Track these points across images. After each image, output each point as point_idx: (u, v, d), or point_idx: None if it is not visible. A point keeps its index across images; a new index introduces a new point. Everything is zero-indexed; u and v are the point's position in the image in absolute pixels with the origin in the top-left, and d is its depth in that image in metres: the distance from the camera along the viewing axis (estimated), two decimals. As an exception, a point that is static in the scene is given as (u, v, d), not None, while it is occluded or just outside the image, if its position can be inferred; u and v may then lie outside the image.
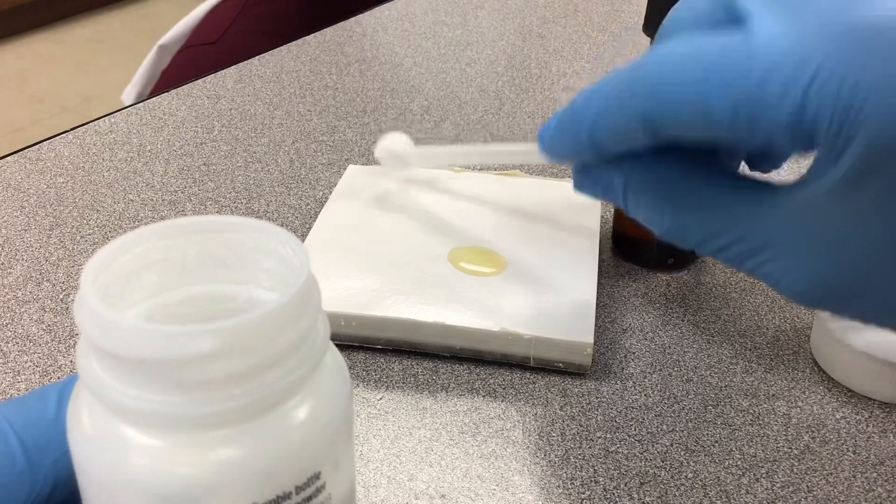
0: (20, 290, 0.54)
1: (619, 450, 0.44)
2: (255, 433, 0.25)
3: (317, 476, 0.26)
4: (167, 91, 0.78)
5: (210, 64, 0.86)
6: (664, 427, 0.45)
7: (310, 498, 0.26)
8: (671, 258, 0.56)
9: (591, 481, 0.42)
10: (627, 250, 0.57)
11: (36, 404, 0.29)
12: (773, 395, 0.47)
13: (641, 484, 0.42)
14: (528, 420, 0.45)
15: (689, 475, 0.42)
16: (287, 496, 0.25)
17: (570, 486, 0.42)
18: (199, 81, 0.79)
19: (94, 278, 0.25)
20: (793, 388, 0.47)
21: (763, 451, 0.44)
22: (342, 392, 0.28)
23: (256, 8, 1.07)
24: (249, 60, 0.83)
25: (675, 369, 0.48)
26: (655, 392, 0.47)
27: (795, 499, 0.41)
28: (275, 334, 0.24)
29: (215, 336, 0.23)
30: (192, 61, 1.05)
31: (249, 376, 0.24)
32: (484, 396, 0.47)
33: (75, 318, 0.24)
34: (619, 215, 0.57)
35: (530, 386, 0.47)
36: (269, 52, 0.85)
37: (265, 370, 0.24)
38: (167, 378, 0.23)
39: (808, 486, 0.42)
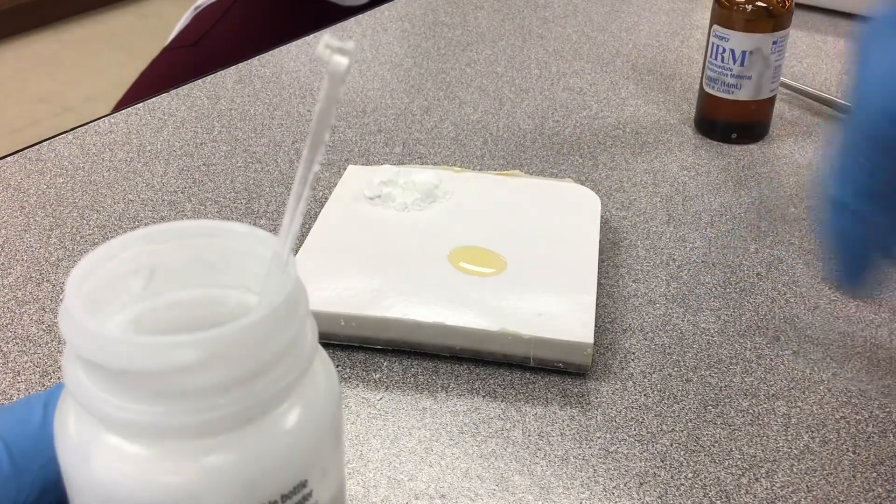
0: (20, 290, 0.54)
1: (619, 450, 0.44)
2: (240, 442, 0.24)
3: (303, 484, 0.26)
4: (165, 92, 0.78)
5: (185, 67, 0.85)
6: (664, 427, 0.45)
7: None
8: (734, 133, 0.69)
9: (591, 481, 0.42)
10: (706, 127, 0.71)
11: (22, 411, 0.30)
12: (773, 395, 0.47)
13: (641, 484, 0.42)
14: (528, 420, 0.45)
15: (689, 475, 0.42)
16: None
17: (570, 486, 0.42)
18: (199, 81, 0.79)
19: (79, 286, 0.25)
20: (793, 388, 0.47)
21: (763, 451, 0.44)
22: (331, 399, 0.27)
23: (240, 12, 1.07)
24: (249, 61, 0.83)
25: (675, 369, 0.48)
26: (655, 392, 0.47)
27: (795, 499, 0.41)
28: (260, 344, 0.24)
29: (199, 347, 0.23)
30: (168, 64, 1.05)
31: (234, 386, 0.24)
32: (484, 396, 0.47)
33: (60, 327, 0.24)
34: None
35: (530, 386, 0.47)
36: (269, 52, 0.85)
37: (251, 379, 0.24)
38: (151, 388, 0.23)
39: (808, 486, 0.42)
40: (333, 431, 0.28)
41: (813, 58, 0.85)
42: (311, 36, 0.89)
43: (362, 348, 0.50)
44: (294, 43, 0.87)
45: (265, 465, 0.25)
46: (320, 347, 0.28)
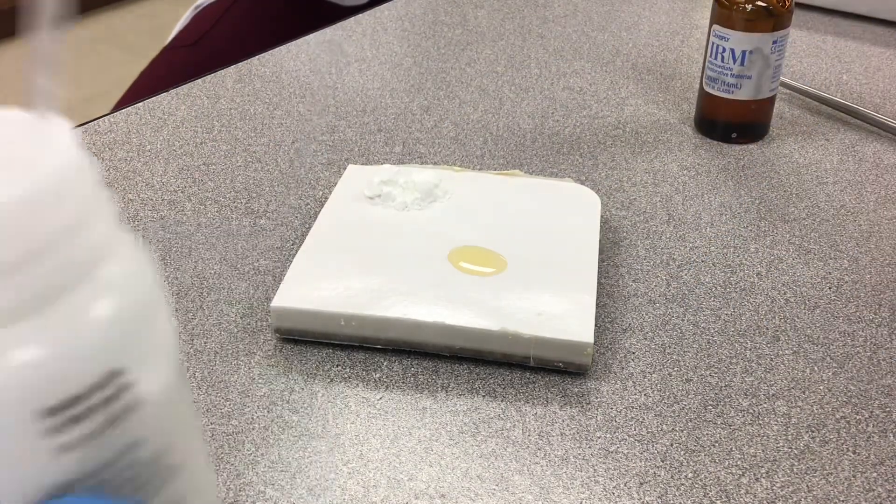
0: (20, 289, 0.54)
1: (619, 450, 0.44)
2: (37, 332, 0.23)
3: (117, 373, 0.24)
4: (165, 92, 0.78)
5: (184, 67, 0.85)
6: (664, 427, 0.45)
7: (111, 398, 0.24)
8: (734, 132, 0.70)
9: (591, 481, 0.42)
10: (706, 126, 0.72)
11: None
12: (773, 395, 0.47)
13: (641, 484, 0.42)
14: (528, 420, 0.45)
15: (689, 475, 0.42)
16: (82, 397, 0.24)
17: (570, 486, 0.42)
18: (199, 81, 0.79)
19: None
20: (793, 388, 0.47)
21: (763, 451, 0.44)
22: (141, 283, 0.26)
23: (239, 11, 1.07)
24: (249, 60, 0.83)
25: (675, 369, 0.48)
26: (655, 392, 0.47)
27: (795, 499, 0.41)
28: (33, 225, 0.22)
29: None
30: (168, 63, 1.05)
31: (12, 271, 0.22)
32: (484, 396, 0.47)
33: None
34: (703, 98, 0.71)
35: (530, 386, 0.47)
36: (269, 51, 0.85)
37: (30, 264, 0.22)
38: None
39: (808, 486, 0.42)
40: (150, 318, 0.26)
41: (813, 57, 0.85)
42: (311, 36, 0.89)
43: (362, 348, 0.50)
44: (294, 42, 0.87)
45: (67, 354, 0.23)
46: (127, 230, 0.26)
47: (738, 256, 0.57)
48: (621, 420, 0.45)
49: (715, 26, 0.67)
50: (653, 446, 0.44)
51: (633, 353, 0.49)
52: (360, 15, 0.94)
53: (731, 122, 0.70)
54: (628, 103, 0.76)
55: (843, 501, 0.41)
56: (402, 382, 0.47)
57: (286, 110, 0.75)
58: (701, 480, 0.42)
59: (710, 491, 0.42)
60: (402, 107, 0.76)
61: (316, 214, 0.58)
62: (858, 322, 0.52)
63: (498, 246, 0.53)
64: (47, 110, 0.25)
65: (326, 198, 0.59)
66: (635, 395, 0.47)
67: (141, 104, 0.76)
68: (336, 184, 0.60)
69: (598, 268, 0.54)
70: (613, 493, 0.41)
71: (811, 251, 0.58)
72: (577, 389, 0.47)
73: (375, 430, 0.44)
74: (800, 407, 0.46)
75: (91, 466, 0.25)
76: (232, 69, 0.82)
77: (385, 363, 0.49)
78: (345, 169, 0.65)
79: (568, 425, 0.45)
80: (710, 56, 0.68)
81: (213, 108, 0.75)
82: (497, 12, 0.95)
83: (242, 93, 0.78)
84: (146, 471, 0.26)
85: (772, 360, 0.49)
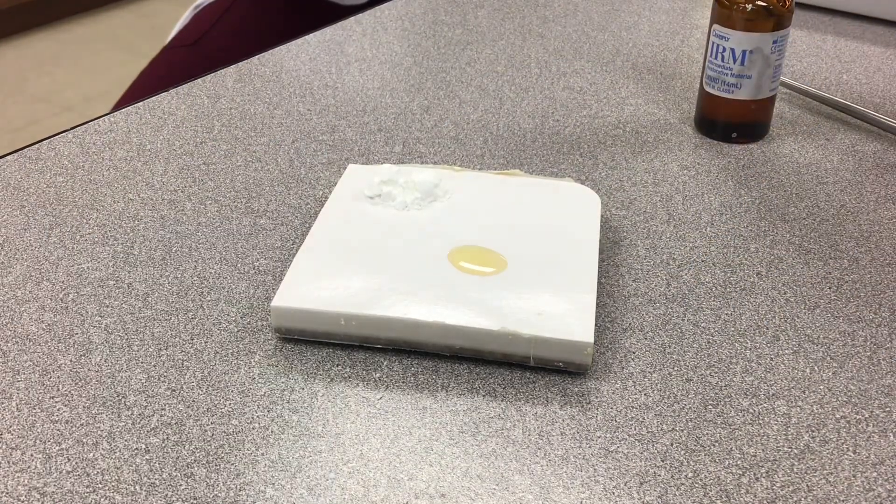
0: (20, 289, 0.54)
1: (619, 449, 0.44)
2: None
3: None
4: (165, 91, 0.78)
5: (184, 66, 0.85)
6: (664, 427, 0.45)
7: None
8: (734, 132, 0.70)
9: (591, 481, 0.42)
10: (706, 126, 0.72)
11: None
12: (773, 395, 0.47)
13: (641, 484, 0.42)
14: (528, 420, 0.45)
15: (689, 475, 0.42)
16: None
17: (570, 486, 0.42)
18: (199, 81, 0.79)
19: None
20: (793, 387, 0.47)
21: (763, 450, 0.44)
22: None
23: (239, 11, 1.07)
24: (249, 60, 0.83)
25: (675, 369, 0.48)
26: (655, 392, 0.47)
27: (795, 498, 0.41)
28: None
29: None
30: (168, 63, 1.05)
31: None
32: (484, 396, 0.47)
33: None
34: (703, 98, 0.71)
35: (530, 386, 0.47)
36: (269, 51, 0.85)
37: None
38: None
39: (808, 485, 0.42)
40: None
41: (813, 57, 0.85)
42: (311, 35, 0.89)
43: (362, 348, 0.50)
44: (294, 42, 0.87)
45: None
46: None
47: (738, 256, 0.57)
48: (621, 420, 0.45)
49: (715, 26, 0.67)
50: (653, 446, 0.44)
51: (633, 352, 0.49)
52: (360, 15, 0.94)
53: (731, 122, 0.70)
54: (628, 103, 0.76)
55: (843, 501, 0.41)
56: (402, 382, 0.47)
57: (286, 110, 0.75)
58: (701, 480, 0.42)
59: (710, 491, 0.42)
60: (402, 107, 0.76)
61: (316, 214, 0.58)
62: (858, 322, 0.52)
63: (498, 246, 0.53)
64: None
65: (326, 197, 0.59)
66: (635, 394, 0.47)
67: (141, 104, 0.76)
68: (336, 183, 0.60)
69: (598, 268, 0.54)
70: (613, 493, 0.41)
71: (811, 251, 0.58)
72: (577, 389, 0.47)
73: (375, 430, 0.44)
74: (800, 407, 0.46)
75: None
76: (232, 69, 0.82)
77: (385, 363, 0.49)
78: (345, 169, 0.65)
79: (568, 425, 0.45)
80: (710, 56, 0.68)
81: (213, 108, 0.75)
82: (497, 12, 0.95)
83: (242, 93, 0.78)
84: None
85: (772, 360, 0.49)
